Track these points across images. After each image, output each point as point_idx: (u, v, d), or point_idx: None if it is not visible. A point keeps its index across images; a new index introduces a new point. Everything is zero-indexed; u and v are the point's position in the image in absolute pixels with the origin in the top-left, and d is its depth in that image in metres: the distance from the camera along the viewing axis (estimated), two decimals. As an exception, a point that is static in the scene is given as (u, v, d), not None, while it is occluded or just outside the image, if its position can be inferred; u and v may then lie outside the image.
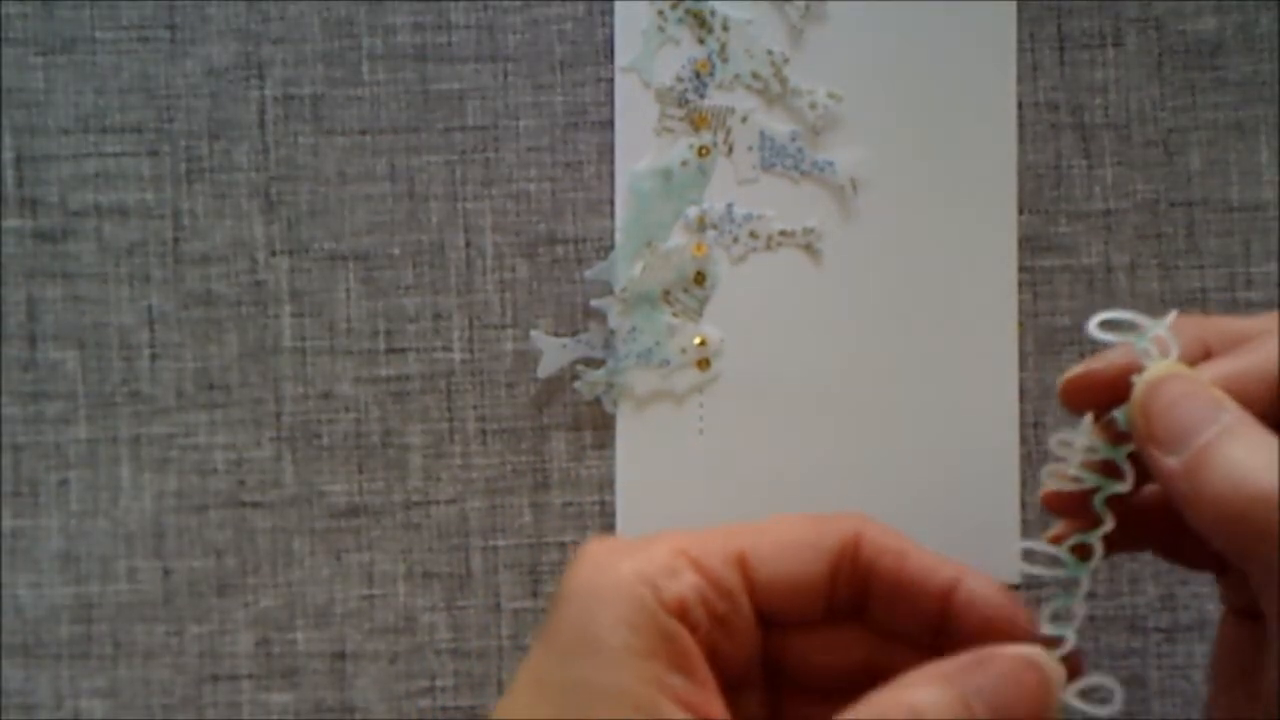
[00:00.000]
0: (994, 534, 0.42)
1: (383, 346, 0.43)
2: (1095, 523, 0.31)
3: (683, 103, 0.43)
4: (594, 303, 0.43)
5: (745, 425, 0.42)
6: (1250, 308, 0.43)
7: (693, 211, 0.43)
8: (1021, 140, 0.43)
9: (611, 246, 0.43)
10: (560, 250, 0.43)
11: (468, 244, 0.43)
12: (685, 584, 0.30)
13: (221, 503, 0.43)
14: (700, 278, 0.43)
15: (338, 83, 0.43)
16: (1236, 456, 0.28)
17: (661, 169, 0.43)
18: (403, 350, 0.43)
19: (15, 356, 0.43)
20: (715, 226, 0.43)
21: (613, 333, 0.43)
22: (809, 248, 0.43)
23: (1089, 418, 0.32)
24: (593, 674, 0.28)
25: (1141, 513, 0.33)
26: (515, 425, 0.43)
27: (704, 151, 0.43)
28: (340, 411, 0.43)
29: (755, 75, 0.43)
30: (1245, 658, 0.32)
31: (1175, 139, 0.43)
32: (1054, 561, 0.31)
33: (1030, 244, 0.43)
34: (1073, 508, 0.31)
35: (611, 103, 0.43)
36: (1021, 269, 0.43)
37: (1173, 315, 0.31)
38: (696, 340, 0.43)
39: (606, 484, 0.43)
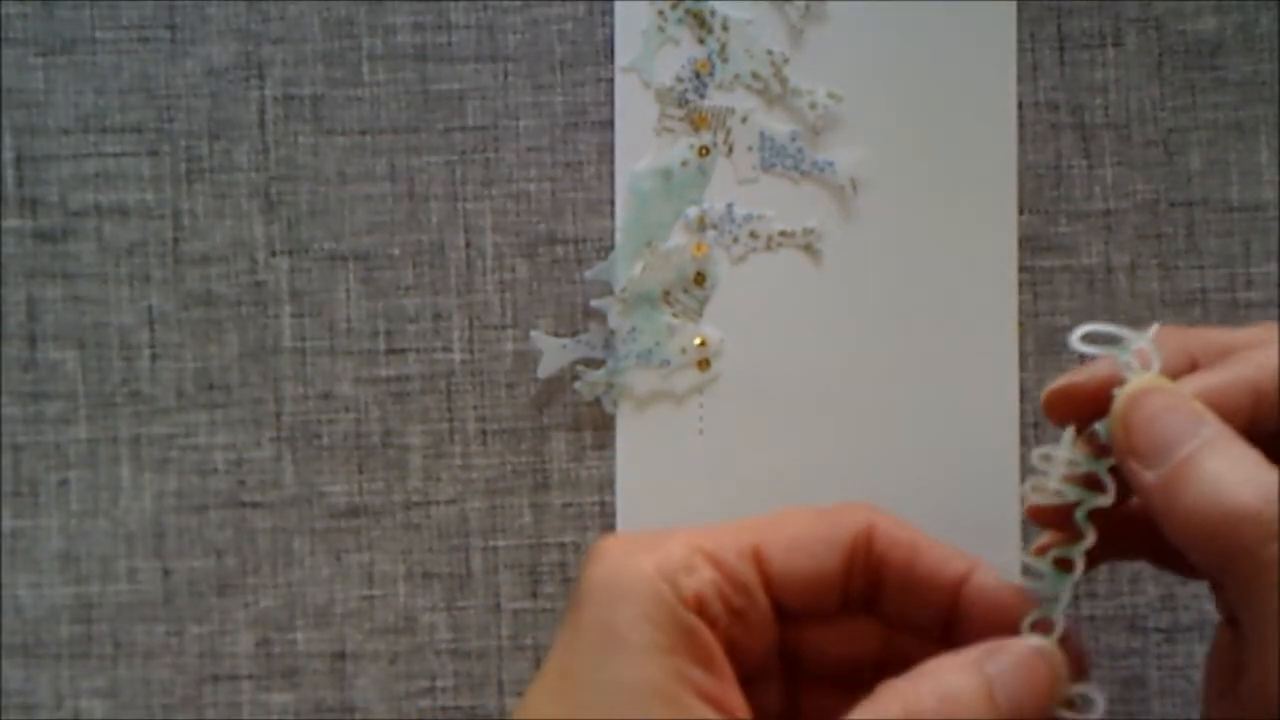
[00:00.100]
0: (994, 534, 0.42)
1: (383, 346, 0.43)
2: (1079, 536, 0.31)
3: (683, 103, 0.43)
4: (594, 303, 0.43)
5: (745, 425, 0.42)
6: (1250, 308, 0.43)
7: (693, 211, 0.43)
8: (1021, 140, 0.43)
9: (611, 246, 0.43)
10: (560, 250, 0.43)
11: (468, 244, 0.43)
12: (703, 579, 0.30)
13: (221, 503, 0.43)
14: (700, 278, 0.43)
15: (338, 83, 0.43)
16: (1215, 471, 0.28)
17: (661, 169, 0.43)
18: (403, 350, 0.43)
19: (15, 356, 0.43)
20: (715, 226, 0.43)
21: (613, 333, 0.43)
22: (809, 248, 0.43)
23: (1070, 431, 0.32)
24: (617, 669, 0.29)
25: (1133, 522, 0.33)
26: (515, 425, 0.43)
27: (704, 151, 0.43)
28: (340, 411, 0.43)
29: (755, 75, 0.43)
30: (1235, 665, 0.32)
31: (1175, 139, 0.43)
32: (1036, 574, 0.31)
33: (1030, 244, 0.43)
34: (1056, 520, 0.32)
35: (611, 103, 0.43)
36: (1021, 269, 0.43)
37: (1155, 328, 0.31)
38: (696, 340, 0.43)
39: (606, 484, 0.43)
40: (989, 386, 0.42)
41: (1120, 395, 0.31)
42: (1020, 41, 0.43)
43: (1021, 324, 0.43)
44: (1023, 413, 0.42)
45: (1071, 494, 0.31)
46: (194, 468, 0.43)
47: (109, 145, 0.43)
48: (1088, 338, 0.31)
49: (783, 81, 0.43)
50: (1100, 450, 0.31)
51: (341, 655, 0.43)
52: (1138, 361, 0.31)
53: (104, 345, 0.43)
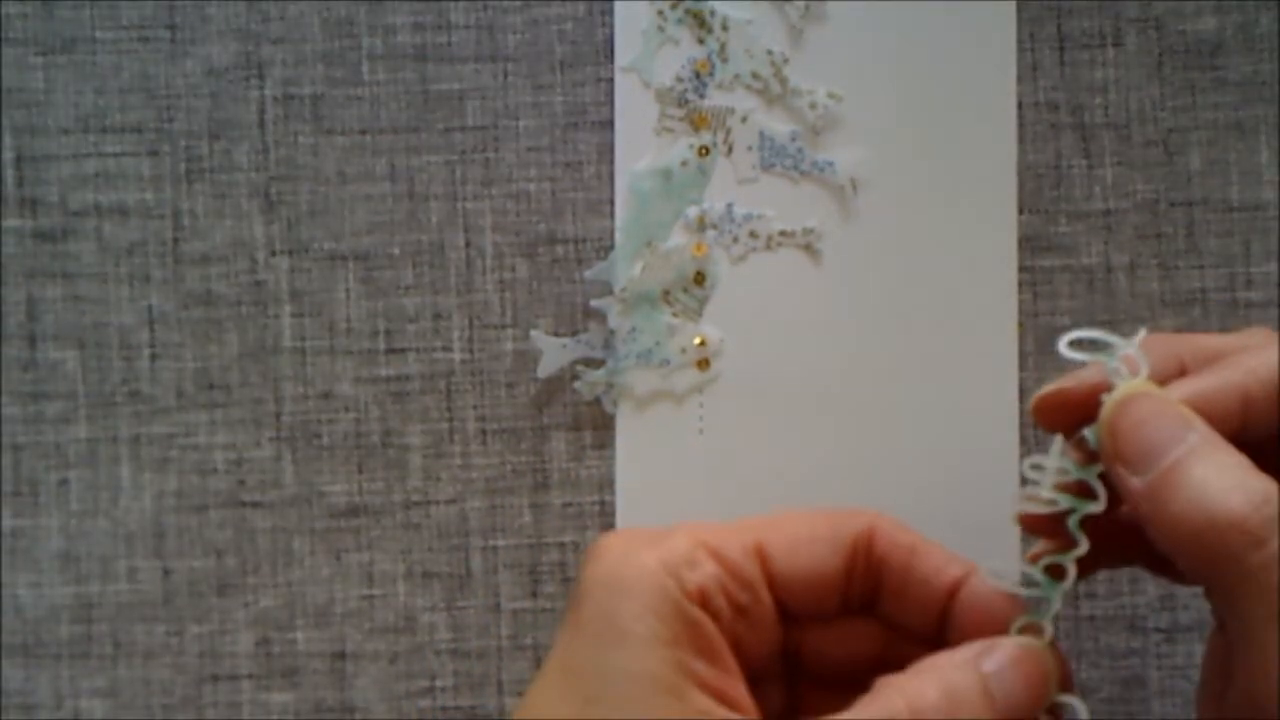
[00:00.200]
0: (994, 534, 0.42)
1: (383, 346, 0.43)
2: (1072, 543, 0.31)
3: (683, 103, 0.43)
4: (594, 303, 0.43)
5: (745, 425, 0.42)
6: (1250, 308, 0.43)
7: (693, 211, 0.43)
8: (1021, 140, 0.43)
9: (611, 246, 0.43)
10: (560, 250, 0.43)
11: (468, 244, 0.43)
12: (706, 573, 0.30)
13: (221, 503, 0.43)
14: (700, 278, 0.43)
15: (338, 83, 0.43)
16: (1201, 478, 0.28)
17: (661, 169, 0.43)
18: (403, 350, 0.43)
19: (15, 356, 0.43)
20: (715, 226, 0.43)
21: (613, 333, 0.43)
22: (809, 248, 0.43)
23: (1059, 440, 0.32)
24: (620, 661, 0.29)
25: (1126, 529, 0.33)
26: (515, 425, 0.43)
27: (704, 151, 0.43)
28: (340, 411, 0.43)
29: (755, 75, 0.43)
30: (1228, 669, 0.32)
31: (1175, 139, 0.43)
32: (1030, 581, 0.31)
33: (1030, 244, 0.43)
34: (1048, 529, 0.32)
35: (611, 103, 0.43)
36: (1021, 269, 0.43)
37: (1142, 333, 0.31)
38: (696, 340, 0.43)
39: (606, 484, 0.43)
40: (989, 386, 0.42)
41: (1108, 401, 0.31)
42: (1020, 41, 0.43)
43: (1021, 324, 0.43)
44: (1022, 413, 0.42)
45: (1064, 502, 0.31)
46: (194, 468, 0.43)
47: (109, 145, 0.43)
48: (1075, 344, 0.31)
49: (783, 81, 0.43)
50: (1090, 457, 0.31)
51: (341, 655, 0.43)
52: (1125, 367, 0.31)
53: (104, 345, 0.43)
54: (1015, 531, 0.42)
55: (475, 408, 0.43)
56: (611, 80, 0.43)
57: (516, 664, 0.43)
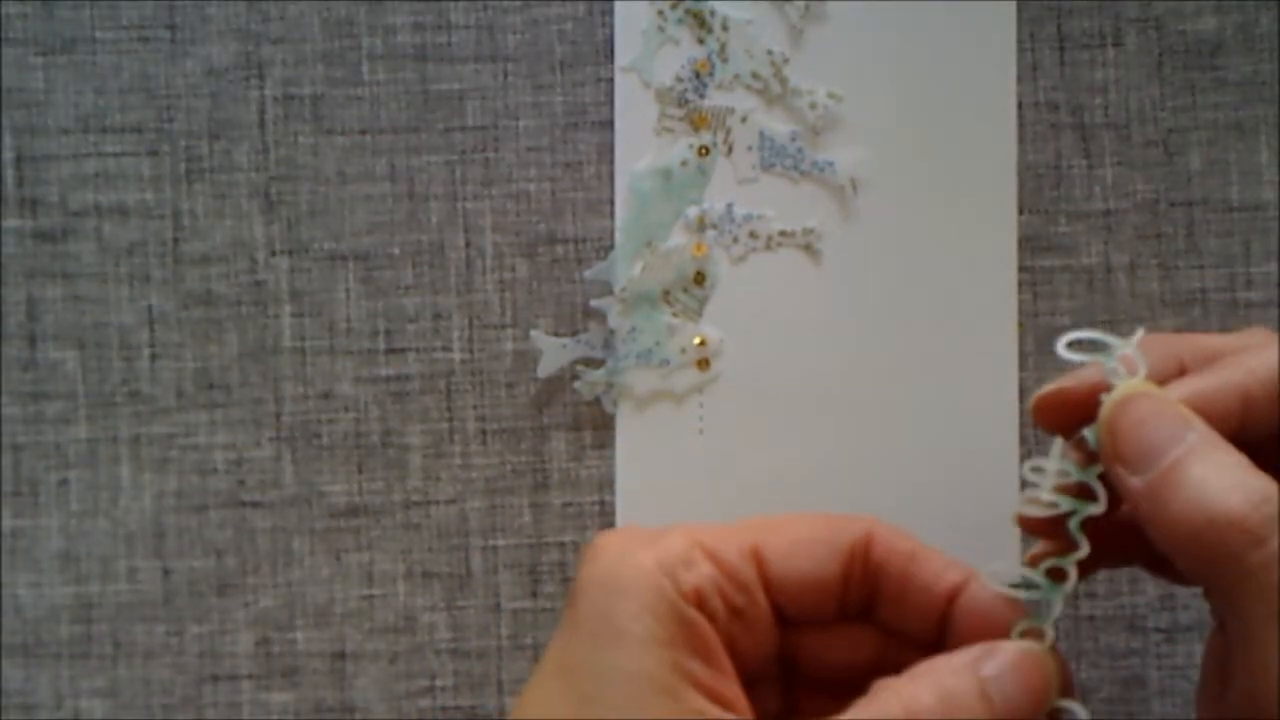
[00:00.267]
0: (994, 534, 0.42)
1: (383, 346, 0.43)
2: (1072, 545, 0.31)
3: (683, 103, 0.43)
4: (594, 303, 0.43)
5: (745, 425, 0.42)
6: (1250, 308, 0.43)
7: (693, 211, 0.43)
8: (1021, 140, 0.43)
9: (611, 246, 0.43)
10: (560, 250, 0.43)
11: (468, 244, 0.43)
12: (702, 574, 0.30)
13: (221, 503, 0.43)
14: (700, 278, 0.43)
15: (338, 83, 0.43)
16: (1201, 477, 0.28)
17: (661, 169, 0.43)
18: (403, 350, 0.43)
19: (15, 356, 0.43)
20: (715, 226, 0.43)
21: (613, 333, 0.43)
22: (809, 248, 0.43)
23: (1059, 442, 0.32)
24: (616, 660, 0.29)
25: (1125, 529, 0.33)
26: (515, 425, 0.43)
27: (704, 151, 0.43)
28: (340, 411, 0.43)
29: (755, 75, 0.43)
30: (1227, 669, 0.32)
31: (1175, 139, 0.43)
32: (1031, 584, 0.31)
33: (1030, 244, 0.43)
34: (1048, 531, 0.32)
35: (611, 103, 0.43)
36: (1021, 269, 0.43)
37: (1140, 333, 0.31)
38: (696, 340, 0.43)
39: (606, 484, 0.43)
40: (989, 386, 0.42)
41: (1107, 401, 0.31)
42: (1020, 41, 0.43)
43: (1021, 324, 0.43)
44: (1023, 413, 0.42)
45: (1064, 504, 0.31)
46: (194, 468, 0.43)
47: (109, 145, 0.43)
48: (1073, 345, 0.31)
49: (783, 81, 0.43)
50: (1090, 458, 0.31)
51: (341, 655, 0.43)
52: (1124, 367, 0.31)
53: (104, 345, 0.43)
54: (1015, 532, 0.42)
55: (475, 408, 0.43)
56: (611, 80, 0.43)
57: (516, 664, 0.43)
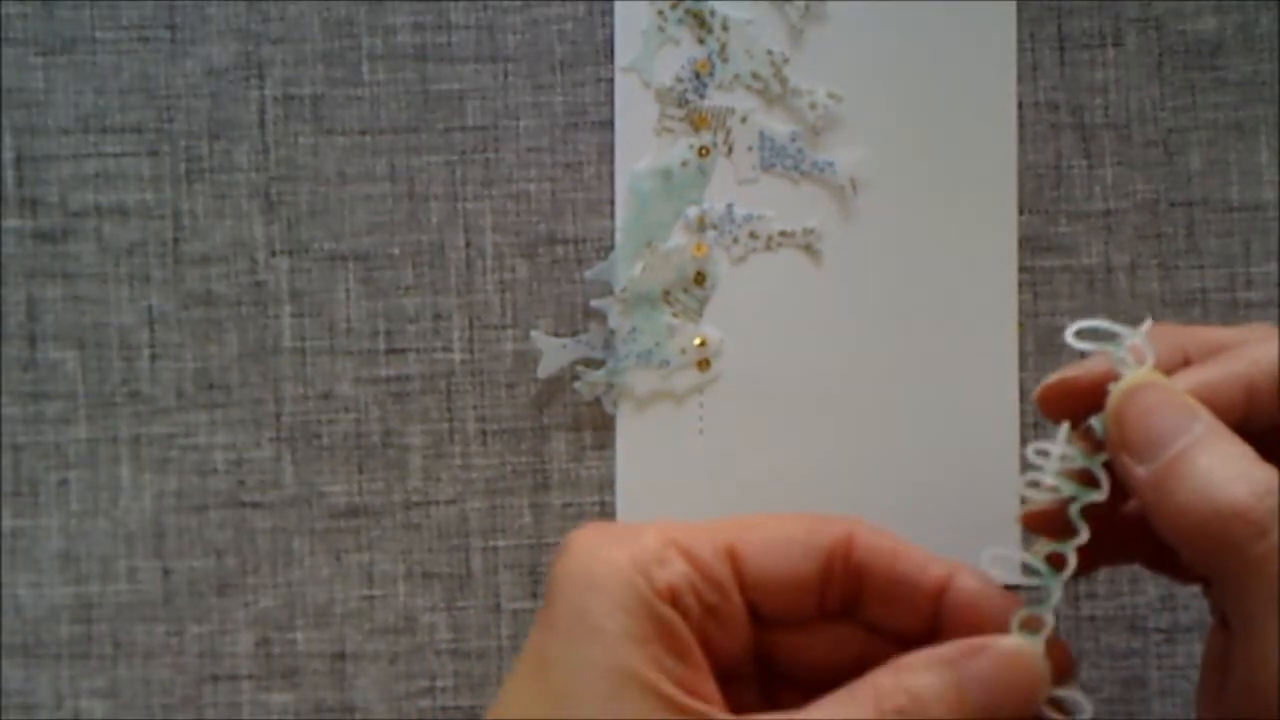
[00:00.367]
0: (994, 534, 0.42)
1: (383, 346, 0.43)
2: (1072, 532, 0.31)
3: (683, 103, 0.43)
4: (594, 303, 0.43)
5: (745, 425, 0.42)
6: (1250, 308, 0.43)
7: (693, 211, 0.43)
8: (1021, 140, 0.43)
9: (611, 246, 0.43)
10: (560, 250, 0.43)
11: (468, 244, 0.43)
12: (675, 572, 0.30)
13: (221, 503, 0.43)
14: (700, 278, 0.43)
15: (338, 83, 0.43)
16: (1207, 467, 0.29)
17: (661, 169, 0.43)
18: (403, 350, 0.43)
19: (15, 356, 0.43)
20: (715, 226, 0.43)
21: (613, 333, 0.43)
22: (809, 248, 0.43)
23: (1065, 426, 0.32)
24: (592, 656, 0.29)
25: (1126, 526, 0.33)
26: (515, 425, 0.43)
27: (704, 151, 0.43)
28: (340, 411, 0.43)
29: (755, 75, 0.43)
30: (1227, 666, 0.32)
31: (1175, 139, 0.43)
32: (1032, 571, 0.31)
33: (1030, 244, 0.43)
34: (1051, 526, 0.32)
35: (611, 103, 0.43)
36: (1021, 269, 0.43)
37: (1148, 323, 0.31)
38: (696, 340, 0.43)
39: (606, 484, 0.43)
40: (989, 386, 0.42)
41: (1114, 390, 0.31)
42: (1020, 41, 0.43)
43: (1021, 324, 0.43)
44: (1023, 413, 0.42)
45: (1066, 489, 0.31)
46: (194, 468, 0.43)
47: (109, 145, 0.43)
48: (1082, 333, 0.31)
49: (783, 81, 0.43)
50: (1095, 446, 0.31)
51: (341, 655, 0.43)
52: (1132, 357, 0.31)
53: (104, 345, 0.43)
54: (1015, 531, 0.42)
55: (475, 408, 0.43)
56: (611, 80, 0.43)
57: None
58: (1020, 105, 0.43)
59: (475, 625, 0.43)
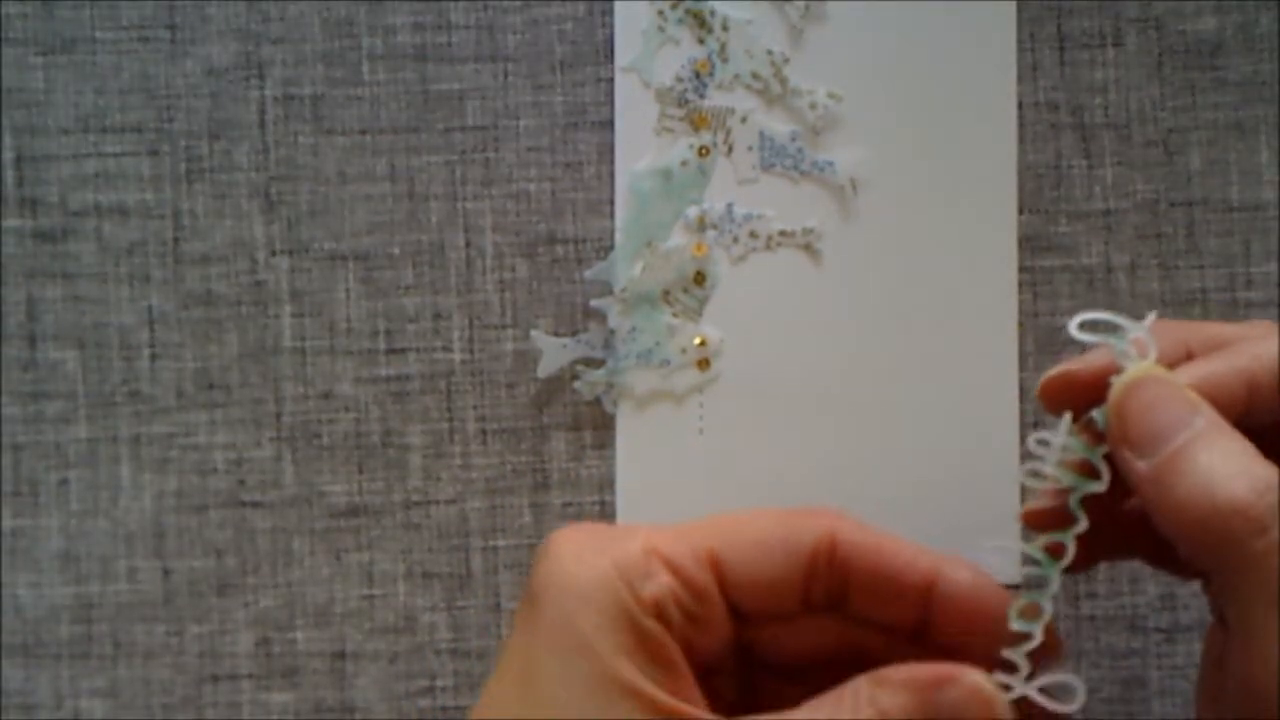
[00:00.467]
0: (994, 534, 0.42)
1: (383, 346, 0.43)
2: (1071, 521, 0.31)
3: (683, 103, 0.43)
4: (594, 303, 0.43)
5: (745, 425, 0.42)
6: (1250, 308, 0.43)
7: (693, 211, 0.43)
8: (1021, 140, 0.43)
9: (611, 246, 0.43)
10: (560, 250, 0.43)
11: (468, 244, 0.43)
12: (660, 585, 0.30)
13: (221, 503, 0.43)
14: (700, 278, 0.43)
15: (338, 83, 0.43)
16: (1207, 463, 0.29)
17: (661, 169, 0.43)
18: (403, 350, 0.43)
19: (15, 356, 0.43)
20: (715, 226, 0.43)
21: (613, 333, 0.43)
22: (809, 248, 0.43)
23: (1067, 417, 0.32)
24: (581, 670, 0.29)
25: (1127, 520, 0.33)
26: (515, 425, 0.43)
27: (704, 151, 0.43)
28: (340, 411, 0.43)
29: (755, 75, 0.43)
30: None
31: (1175, 139, 0.43)
32: (1031, 560, 0.31)
33: (1030, 244, 0.43)
34: (1052, 523, 0.32)
35: (611, 103, 0.43)
36: (1021, 269, 0.43)
37: (1152, 317, 0.31)
38: (696, 340, 0.43)
39: (606, 484, 0.43)
40: (989, 386, 0.42)
41: (1116, 383, 0.31)
42: (1020, 41, 0.43)
43: (1021, 324, 0.43)
44: (1023, 413, 0.42)
45: (1066, 480, 0.31)
46: (194, 468, 0.43)
47: (109, 145, 0.43)
48: (1085, 325, 0.31)
49: (783, 81, 0.43)
50: (1096, 438, 0.31)
51: (341, 655, 0.43)
52: (1135, 350, 0.31)
53: (104, 345, 0.43)
54: (1015, 531, 0.42)
55: (475, 408, 0.43)
56: (611, 80, 0.43)
57: (516, 664, 0.43)
58: (1020, 105, 0.43)
59: (475, 625, 0.43)
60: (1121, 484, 0.31)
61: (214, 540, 0.43)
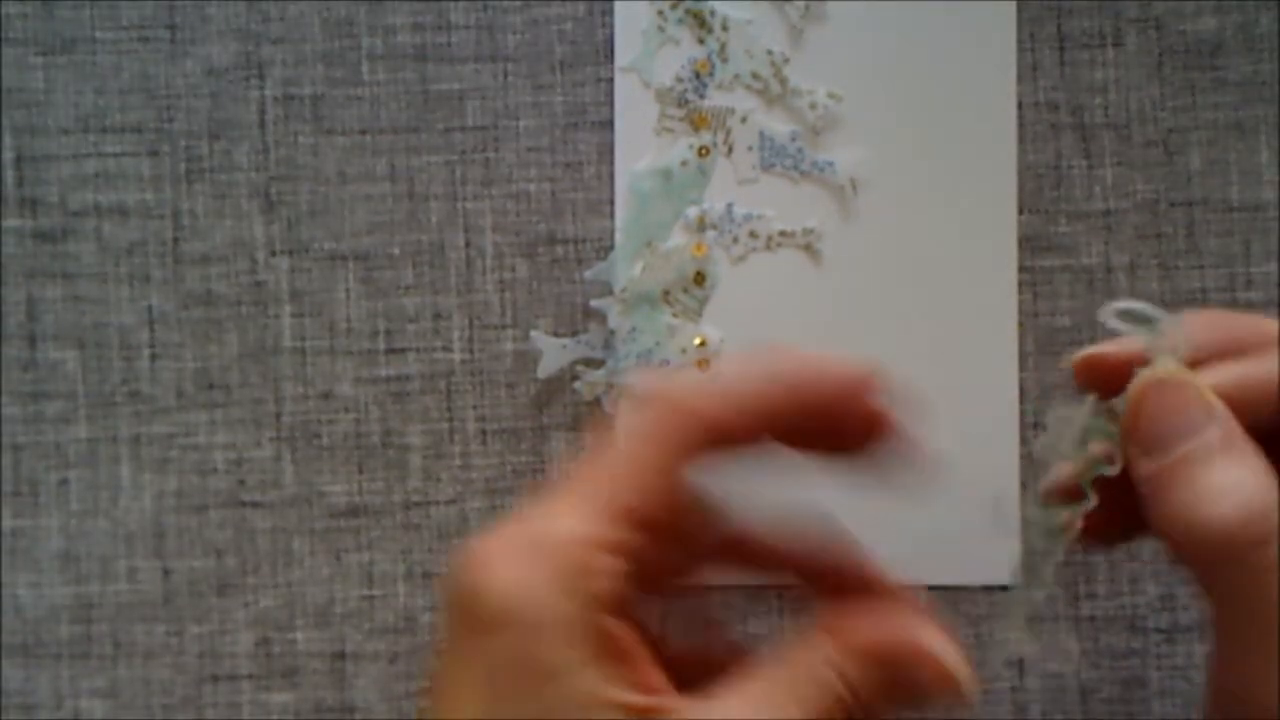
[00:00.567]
0: (994, 533, 0.42)
1: (383, 346, 0.43)
2: (1081, 497, 0.31)
3: (683, 103, 0.43)
4: (594, 303, 0.43)
5: (745, 425, 0.42)
6: (1250, 308, 0.43)
7: (693, 211, 0.43)
8: (1021, 140, 0.43)
9: (611, 246, 0.43)
10: (560, 250, 0.43)
11: (468, 244, 0.43)
12: (602, 575, 0.29)
13: (221, 503, 0.43)
14: (700, 278, 0.43)
15: (338, 83, 0.43)
16: (1205, 475, 0.28)
17: (661, 169, 0.43)
18: (403, 350, 0.43)
19: (15, 356, 0.43)
20: (715, 226, 0.43)
21: (613, 333, 0.43)
22: (809, 248, 0.43)
23: (1092, 398, 0.32)
24: (550, 700, 0.28)
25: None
26: (515, 425, 0.43)
27: (704, 151, 0.43)
28: (340, 411, 0.43)
29: (755, 75, 0.43)
30: None
31: (1175, 139, 0.43)
32: (1036, 522, 0.32)
33: (1030, 244, 0.43)
34: (1067, 499, 0.32)
35: (611, 103, 0.43)
36: (1021, 269, 0.43)
37: (1184, 316, 0.31)
38: (696, 340, 0.43)
39: (606, 484, 0.43)
40: (989, 386, 0.42)
41: (1138, 377, 0.31)
42: (1020, 41, 0.43)
43: (1021, 324, 0.43)
44: (1022, 413, 0.42)
45: (1080, 457, 0.31)
46: (194, 468, 0.43)
47: (109, 145, 0.43)
48: (1122, 314, 0.31)
49: (783, 81, 0.43)
50: (1117, 422, 0.31)
51: (341, 655, 0.43)
52: (1166, 345, 0.31)
53: (104, 345, 0.43)
54: (1015, 531, 0.42)
55: (475, 408, 0.43)
56: (611, 80, 0.43)
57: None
58: (1020, 105, 0.43)
59: (475, 625, 0.43)
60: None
61: (214, 540, 0.43)
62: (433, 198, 0.43)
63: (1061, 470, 0.32)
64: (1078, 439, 0.31)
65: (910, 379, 0.43)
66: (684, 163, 0.43)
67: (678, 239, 0.43)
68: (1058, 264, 0.43)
